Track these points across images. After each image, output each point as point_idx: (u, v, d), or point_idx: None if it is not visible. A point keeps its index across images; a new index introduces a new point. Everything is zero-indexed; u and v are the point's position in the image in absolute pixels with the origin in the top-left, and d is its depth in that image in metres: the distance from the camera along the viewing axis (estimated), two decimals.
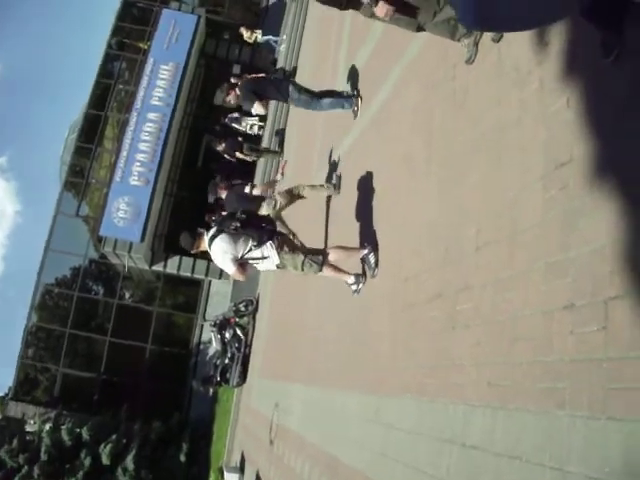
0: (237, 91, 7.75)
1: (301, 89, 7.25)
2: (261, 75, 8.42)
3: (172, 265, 21.34)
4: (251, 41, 14.98)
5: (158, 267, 21.39)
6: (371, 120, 6.58)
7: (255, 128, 19.47)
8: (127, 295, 23.23)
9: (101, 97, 23.27)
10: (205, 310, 21.30)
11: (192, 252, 6.16)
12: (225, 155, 15.36)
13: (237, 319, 14.73)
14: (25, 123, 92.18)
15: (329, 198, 7.75)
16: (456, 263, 3.64)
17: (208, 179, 21.98)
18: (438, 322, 3.72)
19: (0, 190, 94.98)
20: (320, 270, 5.56)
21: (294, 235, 7.06)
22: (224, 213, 15.45)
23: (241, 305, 15.13)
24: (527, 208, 2.87)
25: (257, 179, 17.23)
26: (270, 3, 25.20)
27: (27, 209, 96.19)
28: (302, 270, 5.54)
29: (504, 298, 2.95)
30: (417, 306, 4.14)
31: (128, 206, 19.68)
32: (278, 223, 6.92)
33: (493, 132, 3.44)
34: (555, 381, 2.32)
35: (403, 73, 5.63)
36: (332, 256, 5.62)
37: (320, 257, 5.54)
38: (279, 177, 8.71)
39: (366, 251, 5.44)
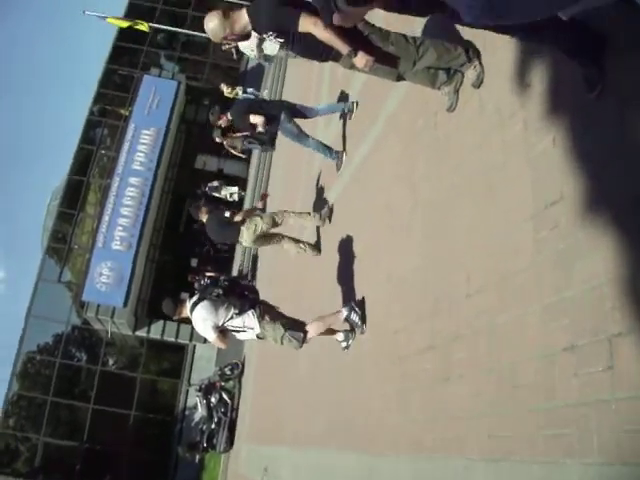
0: (228, 115, 7.72)
1: (292, 120, 7.07)
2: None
3: (156, 330, 21.02)
4: (232, 96, 15.18)
5: (141, 332, 21.06)
6: (353, 174, 6.58)
7: (235, 196, 19.65)
8: (110, 361, 22.74)
9: (83, 163, 23.41)
10: (190, 375, 20.86)
11: (175, 318, 6.02)
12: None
13: (223, 383, 14.41)
14: (6, 191, 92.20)
15: (314, 248, 7.54)
16: (447, 312, 3.54)
17: (190, 243, 22.31)
18: (431, 374, 3.59)
19: None
20: (300, 347, 5.42)
21: (282, 238, 7.31)
22: (208, 274, 15.45)
23: (226, 369, 14.83)
24: (518, 250, 2.81)
25: (235, 262, 17.23)
26: (249, 68, 25.75)
27: (9, 276, 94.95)
28: (281, 344, 5.42)
29: (500, 345, 2.85)
30: (408, 359, 4.01)
31: (111, 271, 19.48)
32: (261, 244, 7.13)
33: (478, 176, 3.41)
34: (561, 427, 2.20)
35: (385, 124, 5.65)
36: (312, 331, 5.45)
37: (301, 334, 5.38)
38: (260, 205, 8.53)
39: (345, 313, 5.33)
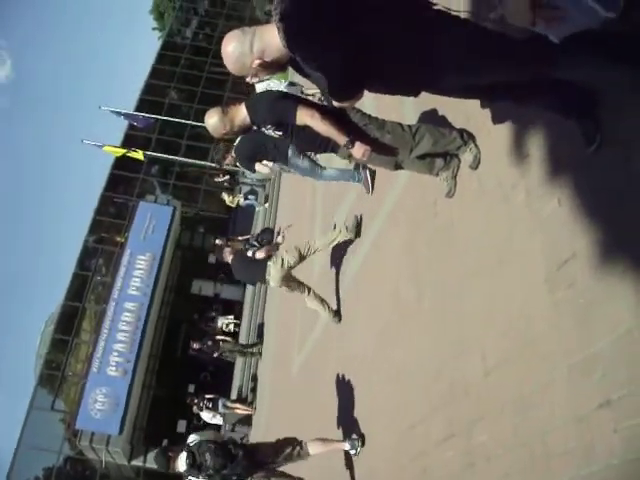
0: (233, 153, 7.20)
1: (303, 154, 6.42)
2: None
3: (152, 459, 19.99)
4: (233, 205, 15.50)
5: (137, 462, 20.03)
6: (358, 272, 6.54)
7: (231, 326, 19.58)
8: None
9: (79, 289, 23.35)
10: None
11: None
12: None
13: None
14: (1, 320, 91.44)
15: (335, 314, 6.98)
16: (464, 396, 3.39)
17: (187, 369, 21.86)
18: (455, 463, 3.38)
19: None
20: None
21: (309, 290, 6.83)
22: (207, 396, 14.97)
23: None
24: (535, 316, 2.74)
25: (235, 385, 16.99)
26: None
27: (1, 414, 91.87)
28: None
29: (526, 417, 2.70)
30: (428, 452, 3.80)
31: (106, 397, 18.83)
32: (287, 284, 6.59)
33: (486, 254, 3.39)
34: None
35: (385, 218, 5.70)
36: (313, 450, 5.44)
37: None
38: (280, 239, 8.15)
39: (348, 446, 5.29)
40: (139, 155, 21.08)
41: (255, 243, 13.31)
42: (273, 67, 2.40)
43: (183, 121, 25.32)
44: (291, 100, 3.84)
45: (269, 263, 6.40)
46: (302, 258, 6.44)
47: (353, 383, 5.86)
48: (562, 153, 2.74)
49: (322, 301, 6.95)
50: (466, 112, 3.89)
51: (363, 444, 5.23)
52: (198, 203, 27.82)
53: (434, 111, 4.52)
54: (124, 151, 21.35)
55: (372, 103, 4.24)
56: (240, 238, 15.76)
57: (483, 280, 3.38)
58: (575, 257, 2.46)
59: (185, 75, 30.73)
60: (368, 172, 6.28)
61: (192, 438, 5.40)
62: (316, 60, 2.19)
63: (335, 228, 6.85)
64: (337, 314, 6.96)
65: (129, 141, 24.99)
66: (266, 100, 3.89)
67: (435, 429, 3.72)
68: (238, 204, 15.96)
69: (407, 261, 4.81)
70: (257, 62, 2.32)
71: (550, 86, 2.43)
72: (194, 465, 5.17)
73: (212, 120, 3.78)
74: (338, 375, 6.30)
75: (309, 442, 5.45)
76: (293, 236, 10.96)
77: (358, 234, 6.55)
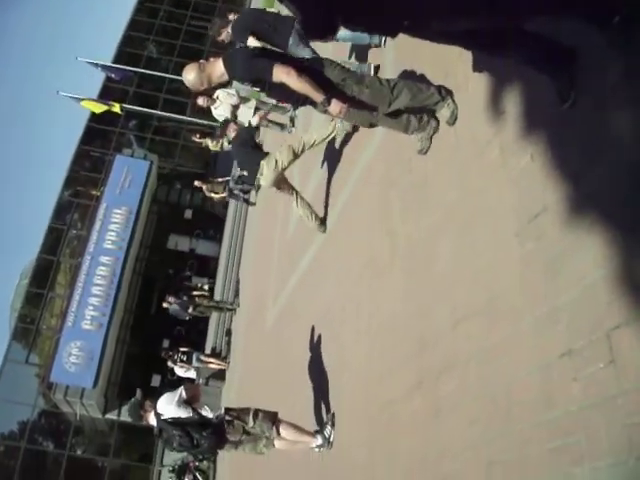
0: (229, 29, 6.81)
1: (304, 43, 5.91)
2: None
3: (126, 413, 20.17)
4: (217, 149, 15.28)
5: (112, 415, 20.22)
6: (333, 226, 6.56)
7: (205, 286, 19.56)
8: (79, 446, 21.64)
9: (54, 243, 23.16)
10: (162, 456, 19.90)
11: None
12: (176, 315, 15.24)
13: (197, 463, 13.77)
14: None
15: (321, 223, 6.77)
16: (433, 347, 3.45)
17: (162, 324, 21.91)
18: (421, 412, 3.45)
19: None
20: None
21: (297, 194, 6.60)
22: (182, 349, 15.04)
23: (191, 446, 14.17)
24: (504, 269, 2.77)
25: (209, 340, 17.05)
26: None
27: None
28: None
29: (492, 368, 2.75)
30: (396, 401, 3.87)
31: (80, 351, 18.89)
32: (279, 186, 6.40)
33: (459, 208, 3.41)
34: (565, 437, 2.09)
35: (360, 175, 5.70)
36: (286, 434, 5.32)
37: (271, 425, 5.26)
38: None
39: (319, 442, 5.21)
40: (116, 108, 20.66)
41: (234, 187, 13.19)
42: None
43: (161, 74, 24.84)
44: (267, 58, 3.78)
45: (262, 162, 6.13)
46: (296, 157, 6.14)
47: (324, 336, 5.94)
48: (537, 110, 2.74)
49: (309, 208, 6.77)
50: (445, 69, 3.87)
51: (333, 425, 5.17)
52: (175, 158, 27.55)
53: (413, 67, 4.48)
54: (104, 108, 20.81)
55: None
56: (220, 180, 15.43)
57: (454, 235, 3.41)
58: (546, 211, 2.48)
59: (164, 27, 30.04)
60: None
61: (163, 407, 5.28)
62: None
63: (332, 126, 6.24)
64: (323, 223, 6.79)
65: (106, 93, 24.53)
66: (242, 58, 3.84)
67: (403, 379, 3.78)
68: (222, 147, 15.55)
69: (381, 216, 4.83)
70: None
71: (525, 38, 2.40)
72: (162, 438, 5.34)
73: (190, 76, 3.79)
74: (310, 328, 6.37)
75: (282, 427, 5.30)
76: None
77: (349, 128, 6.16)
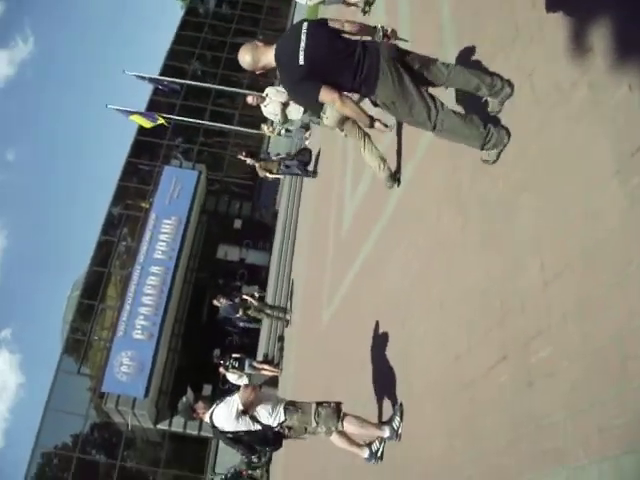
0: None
1: None
2: None
3: (178, 423, 20.18)
4: (273, 135, 14.92)
5: (163, 425, 20.19)
6: (394, 210, 6.22)
7: (256, 294, 19.37)
8: (130, 457, 21.68)
9: (105, 255, 23.45)
10: (214, 465, 19.75)
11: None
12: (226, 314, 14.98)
13: (250, 471, 13.54)
14: (28, 292, 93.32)
15: (392, 177, 6.01)
16: (519, 314, 3.11)
17: (213, 333, 21.86)
18: (508, 387, 3.12)
19: (3, 363, 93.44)
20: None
21: (366, 138, 6.01)
22: (234, 355, 14.82)
23: (254, 456, 13.96)
24: (603, 212, 2.46)
25: (261, 347, 16.85)
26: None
27: (30, 382, 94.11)
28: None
29: (595, 323, 2.42)
30: (477, 382, 3.53)
31: (132, 361, 18.96)
32: (343, 126, 5.93)
33: (541, 162, 3.10)
34: None
35: (425, 152, 5.39)
36: (350, 428, 5.00)
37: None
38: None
39: (387, 434, 4.85)
40: (162, 121, 20.79)
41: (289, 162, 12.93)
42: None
43: (208, 85, 25.08)
44: (312, 81, 3.56)
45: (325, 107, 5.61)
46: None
47: (388, 323, 5.62)
48: (630, 36, 2.42)
49: (380, 157, 6.00)
50: (515, 22, 3.58)
51: (402, 415, 4.80)
52: (223, 171, 27.70)
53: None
54: (151, 124, 20.91)
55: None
56: (274, 158, 14.73)
57: (537, 190, 3.10)
58: None
59: (209, 41, 30.39)
60: None
61: (222, 423, 5.09)
62: None
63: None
64: (394, 178, 5.99)
65: (154, 106, 24.85)
66: (291, 79, 3.67)
67: (485, 355, 3.45)
68: (279, 133, 15.18)
69: (449, 188, 4.52)
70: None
71: None
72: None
73: (247, 57, 3.73)
74: (371, 318, 6.05)
75: (346, 420, 4.97)
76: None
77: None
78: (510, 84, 3.61)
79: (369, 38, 3.84)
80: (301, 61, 3.49)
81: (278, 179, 15.95)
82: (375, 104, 3.68)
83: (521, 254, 3.17)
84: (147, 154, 26.42)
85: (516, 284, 3.18)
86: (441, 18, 5.45)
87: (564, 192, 2.82)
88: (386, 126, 3.86)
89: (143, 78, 21.60)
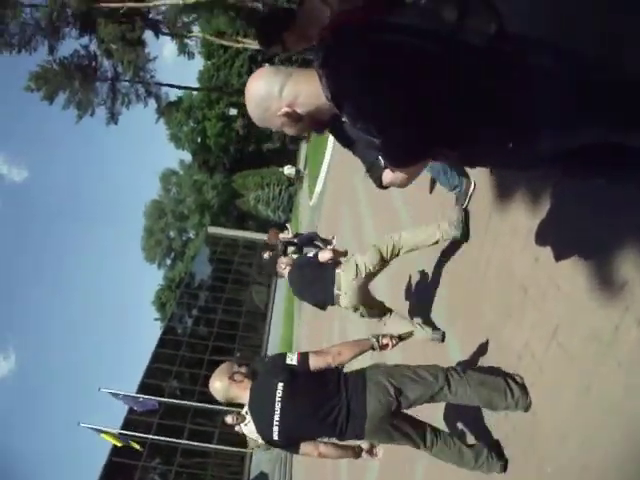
0: None
1: None
2: None
3: None
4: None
5: None
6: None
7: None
8: None
9: None
10: None
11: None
12: None
13: None
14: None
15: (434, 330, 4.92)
16: None
17: None
18: None
19: None
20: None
21: (390, 311, 5.17)
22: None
23: None
24: None
25: None
26: None
27: None
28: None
29: None
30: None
31: None
32: (365, 302, 4.82)
33: None
34: None
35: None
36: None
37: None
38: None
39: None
40: (136, 446, 19.59)
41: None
42: (305, 123, 1.85)
43: (186, 403, 24.53)
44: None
45: (338, 271, 4.68)
46: (384, 262, 4.61)
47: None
48: None
49: (411, 322, 5.10)
50: (521, 284, 3.51)
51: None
52: None
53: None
54: (123, 443, 19.64)
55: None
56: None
57: None
58: None
59: (187, 359, 30.65)
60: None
61: None
62: (365, 116, 1.68)
63: (437, 226, 4.66)
64: (436, 328, 4.93)
65: (130, 424, 23.67)
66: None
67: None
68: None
69: None
70: (284, 110, 1.79)
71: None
72: None
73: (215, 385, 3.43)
74: None
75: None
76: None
77: (465, 235, 4.53)
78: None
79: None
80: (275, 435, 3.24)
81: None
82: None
83: None
84: (120, 477, 24.19)
85: None
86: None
87: None
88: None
89: (116, 395, 20.80)
